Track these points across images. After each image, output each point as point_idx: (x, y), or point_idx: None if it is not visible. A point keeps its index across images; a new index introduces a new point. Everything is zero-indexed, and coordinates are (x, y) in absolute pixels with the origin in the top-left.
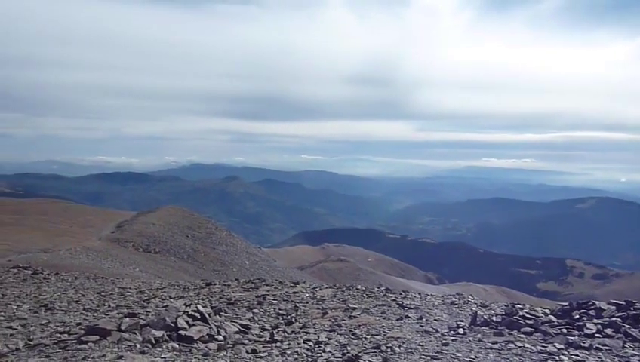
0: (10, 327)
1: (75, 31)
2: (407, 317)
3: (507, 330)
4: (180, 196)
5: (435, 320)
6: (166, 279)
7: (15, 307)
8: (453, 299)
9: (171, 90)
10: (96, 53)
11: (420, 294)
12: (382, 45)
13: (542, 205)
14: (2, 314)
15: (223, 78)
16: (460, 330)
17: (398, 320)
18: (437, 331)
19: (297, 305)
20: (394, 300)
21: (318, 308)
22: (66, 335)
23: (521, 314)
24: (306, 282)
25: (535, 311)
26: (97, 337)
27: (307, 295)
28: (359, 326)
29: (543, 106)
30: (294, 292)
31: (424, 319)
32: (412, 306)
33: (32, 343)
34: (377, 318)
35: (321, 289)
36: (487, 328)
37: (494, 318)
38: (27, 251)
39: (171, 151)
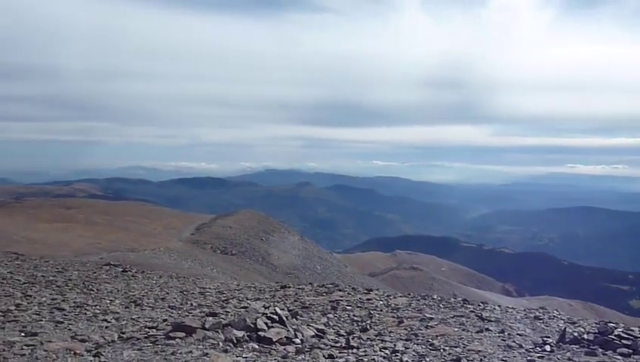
0: (105, 320)
1: (159, 45)
2: (487, 329)
3: (601, 350)
4: (255, 200)
5: (518, 334)
6: (242, 280)
7: (108, 301)
8: (537, 314)
9: (248, 99)
10: (178, 65)
11: (499, 306)
12: (457, 47)
13: (635, 215)
14: (98, 307)
15: (297, 85)
16: (547, 347)
17: (477, 332)
18: (521, 346)
19: (371, 312)
20: (472, 311)
21: (393, 317)
22: (154, 330)
23: (616, 333)
24: (379, 289)
25: (631, 330)
26: (183, 334)
27: (381, 302)
28: (437, 336)
29: (636, 108)
30: (368, 299)
31: (506, 333)
32: (492, 319)
33: (124, 336)
34: (456, 329)
35: (395, 298)
36: (577, 346)
37: (585, 336)
38: (117, 250)
39: (247, 157)
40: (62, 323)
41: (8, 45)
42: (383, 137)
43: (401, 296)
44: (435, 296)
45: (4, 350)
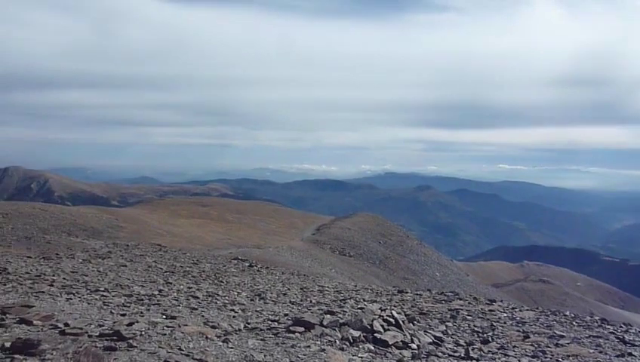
0: (233, 310)
1: (284, 52)
2: (629, 354)
3: None
4: (374, 203)
5: None
6: (359, 282)
7: (236, 293)
8: None
9: (369, 102)
10: (302, 70)
11: None
12: (597, 41)
13: None
14: (227, 298)
15: (418, 87)
16: None
17: (618, 356)
18: None
19: (494, 324)
20: (612, 333)
21: (518, 331)
22: (276, 323)
23: None
24: (503, 301)
25: None
26: (303, 329)
27: (505, 315)
28: (568, 356)
29: None
30: (490, 310)
31: None
32: (637, 343)
33: (249, 326)
34: (591, 351)
35: (520, 311)
36: None
37: None
38: (244, 246)
39: (367, 160)
40: (196, 309)
41: (156, 58)
42: (509, 139)
43: (527, 310)
44: (567, 313)
45: (149, 329)
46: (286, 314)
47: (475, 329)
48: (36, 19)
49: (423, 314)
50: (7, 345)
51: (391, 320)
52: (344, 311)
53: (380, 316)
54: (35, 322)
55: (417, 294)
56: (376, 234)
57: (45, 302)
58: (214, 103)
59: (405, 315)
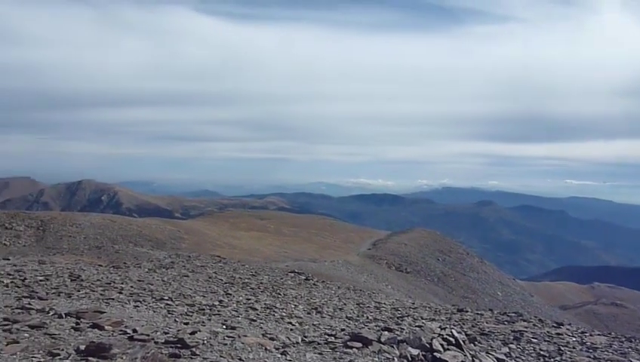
0: (290, 323)
1: (341, 67)
2: None
3: None
4: (432, 219)
5: None
6: (417, 299)
7: (293, 306)
8: None
9: (427, 115)
10: (360, 85)
11: None
12: None
13: None
14: (284, 311)
15: (479, 100)
16: None
17: None
18: None
19: (562, 348)
20: None
21: (589, 357)
22: (333, 337)
23: None
24: (572, 324)
25: None
26: (360, 344)
27: (574, 339)
28: None
29: None
30: (558, 334)
31: None
32: None
33: (307, 340)
34: None
35: (591, 336)
36: None
37: None
38: (300, 259)
39: (425, 174)
40: (255, 321)
41: (218, 76)
42: (577, 153)
43: (599, 335)
44: None
45: (210, 338)
46: (343, 329)
47: (542, 353)
48: (106, 41)
49: (485, 335)
50: (82, 347)
51: (451, 339)
52: (402, 329)
53: (439, 335)
54: (106, 327)
55: (478, 314)
56: (434, 251)
57: (115, 309)
58: (273, 119)
59: (466, 335)
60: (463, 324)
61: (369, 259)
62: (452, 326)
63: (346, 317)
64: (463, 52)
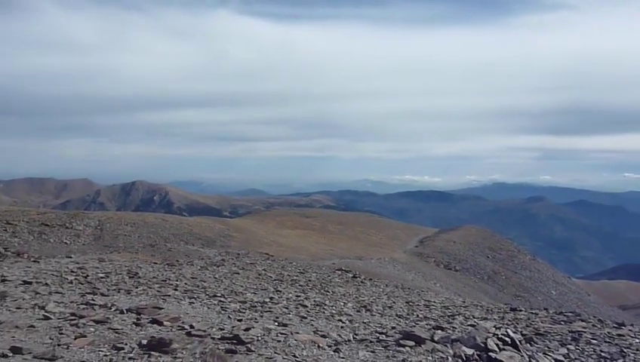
0: (340, 321)
1: (386, 63)
2: None
3: None
4: (481, 216)
5: None
6: (467, 298)
7: (342, 304)
8: None
9: (473, 110)
10: (405, 81)
11: None
12: None
13: None
14: (334, 308)
15: (529, 92)
16: None
17: None
18: None
19: (624, 350)
20: None
21: None
22: (384, 335)
23: None
24: (634, 325)
25: None
26: (413, 343)
27: (637, 341)
28: None
29: None
30: (619, 335)
31: None
32: None
33: (358, 337)
34: None
35: None
36: None
37: None
38: (346, 257)
39: (473, 170)
40: (305, 318)
41: (262, 76)
42: (635, 146)
43: None
44: None
45: (264, 334)
46: (393, 327)
47: (602, 354)
48: (155, 46)
49: (540, 335)
50: (144, 342)
51: (506, 339)
52: (454, 328)
53: (494, 334)
54: (165, 323)
55: (532, 313)
56: (484, 248)
57: (171, 305)
58: (318, 117)
59: (522, 335)
60: (517, 324)
61: (416, 256)
62: (507, 326)
63: (396, 315)
64: (511, 43)
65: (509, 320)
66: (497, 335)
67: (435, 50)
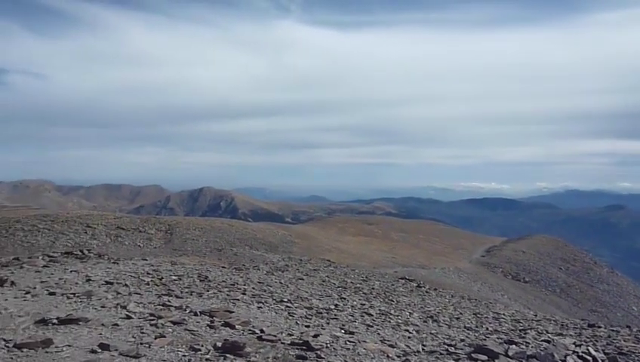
0: (407, 331)
1: (447, 67)
2: None
3: None
4: (553, 225)
5: None
6: (538, 311)
7: (408, 314)
8: None
9: (544, 113)
10: (468, 85)
11: None
12: None
13: None
14: (399, 318)
15: (604, 93)
16: None
17: None
18: None
19: None
20: None
21: None
22: (453, 347)
23: None
24: None
25: None
26: (486, 357)
27: None
28: None
29: None
30: None
31: None
32: None
33: (426, 349)
34: None
35: None
36: None
37: None
38: (409, 265)
39: (544, 176)
40: (371, 327)
41: (324, 84)
42: None
43: None
44: None
45: (332, 342)
46: (462, 340)
47: None
48: (222, 58)
49: (624, 355)
50: (219, 344)
51: (588, 358)
52: (527, 343)
53: (573, 352)
54: (236, 326)
55: (613, 330)
56: (556, 259)
57: (241, 309)
58: (380, 123)
59: (604, 354)
60: (597, 342)
61: (482, 266)
62: (586, 344)
63: (464, 327)
64: (584, 42)
65: (588, 337)
66: (577, 353)
67: (498, 52)
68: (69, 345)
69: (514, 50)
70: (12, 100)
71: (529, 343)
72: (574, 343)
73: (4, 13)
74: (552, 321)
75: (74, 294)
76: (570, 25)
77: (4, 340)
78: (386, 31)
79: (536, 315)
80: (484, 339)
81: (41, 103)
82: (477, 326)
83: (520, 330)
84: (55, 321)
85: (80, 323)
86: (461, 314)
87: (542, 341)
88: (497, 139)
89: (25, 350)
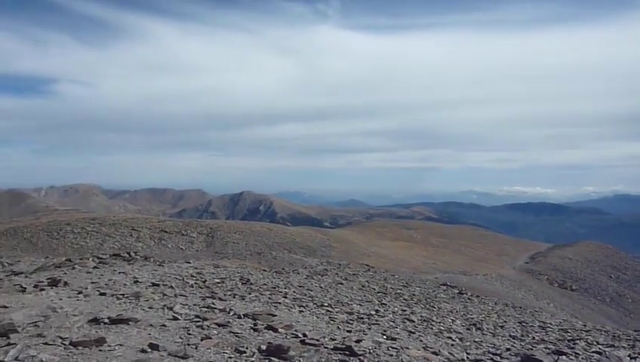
0: (450, 338)
1: (490, 69)
2: None
3: None
4: (602, 231)
5: None
6: (587, 321)
7: (450, 321)
8: None
9: (591, 115)
10: (510, 86)
11: None
12: None
13: None
14: (442, 325)
15: None
16: None
17: None
18: None
19: None
20: None
21: None
22: (498, 357)
23: None
24: None
25: None
26: None
27: None
28: None
29: None
30: None
31: None
32: None
33: (470, 357)
34: None
35: None
36: None
37: None
38: (450, 271)
39: (591, 180)
40: (413, 333)
41: (362, 88)
42: None
43: None
44: None
45: (375, 348)
46: (508, 349)
47: None
48: (261, 64)
49: None
50: (263, 347)
51: None
52: (576, 354)
53: None
54: (279, 330)
55: None
56: (605, 267)
57: (283, 312)
58: (420, 127)
59: None
60: None
61: (527, 273)
62: None
63: (510, 335)
64: (631, 41)
65: None
66: None
67: (543, 52)
68: (121, 344)
69: (559, 50)
70: (63, 108)
71: (579, 354)
72: (629, 355)
73: (57, 26)
74: (603, 332)
75: (123, 295)
76: (620, 23)
77: (61, 338)
78: (426, 34)
79: (585, 325)
80: (531, 349)
81: (90, 110)
82: (522, 335)
83: (569, 341)
84: (107, 321)
85: (130, 323)
86: (505, 322)
87: (592, 352)
88: (541, 142)
89: (80, 348)
